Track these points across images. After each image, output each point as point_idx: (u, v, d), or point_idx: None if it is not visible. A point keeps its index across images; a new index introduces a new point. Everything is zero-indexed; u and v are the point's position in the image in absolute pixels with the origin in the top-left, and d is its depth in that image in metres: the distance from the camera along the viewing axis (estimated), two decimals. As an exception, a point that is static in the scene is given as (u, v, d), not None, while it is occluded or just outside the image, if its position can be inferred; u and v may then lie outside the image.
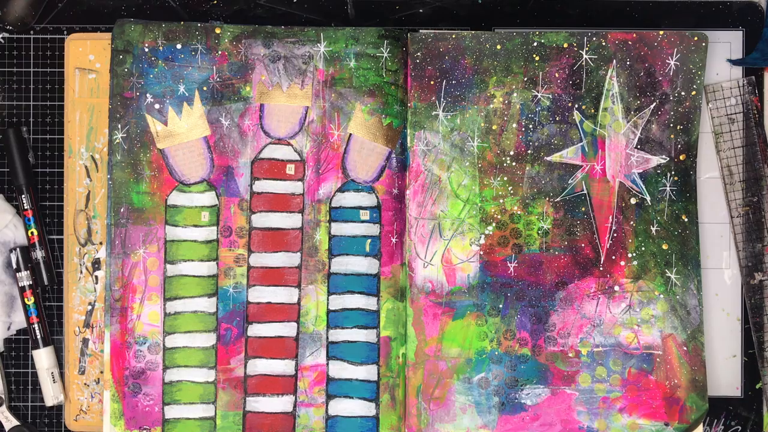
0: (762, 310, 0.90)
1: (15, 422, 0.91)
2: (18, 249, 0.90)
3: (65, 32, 0.92)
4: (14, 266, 0.90)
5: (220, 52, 0.89)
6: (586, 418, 0.89)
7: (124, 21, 0.88)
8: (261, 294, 0.89)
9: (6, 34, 0.92)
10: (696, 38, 0.88)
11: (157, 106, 0.88)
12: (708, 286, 0.91)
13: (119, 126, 0.88)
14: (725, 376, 0.91)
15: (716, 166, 0.91)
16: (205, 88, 0.88)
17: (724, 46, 0.91)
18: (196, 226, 0.88)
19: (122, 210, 0.88)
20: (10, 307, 0.91)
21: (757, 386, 0.91)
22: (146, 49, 0.88)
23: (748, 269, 0.90)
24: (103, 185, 0.90)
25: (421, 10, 0.93)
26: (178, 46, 0.88)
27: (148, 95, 0.88)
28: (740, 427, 0.91)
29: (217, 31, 0.88)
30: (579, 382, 0.89)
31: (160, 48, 0.88)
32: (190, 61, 0.88)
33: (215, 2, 0.92)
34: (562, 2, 0.92)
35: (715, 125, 0.90)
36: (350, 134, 0.89)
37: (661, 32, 0.88)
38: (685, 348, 0.88)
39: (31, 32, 0.92)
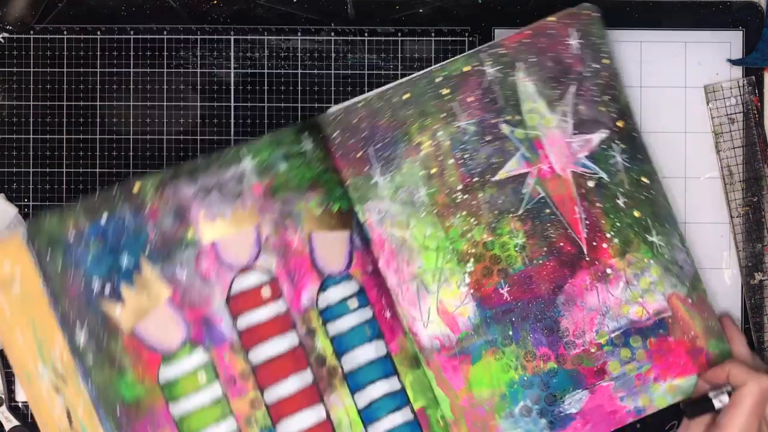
0: (762, 310, 0.92)
1: (15, 422, 0.88)
2: None
3: (65, 32, 0.91)
4: None
5: (149, 208, 0.83)
6: (629, 401, 0.90)
7: (35, 217, 0.82)
8: (289, 426, 0.85)
9: (6, 34, 0.90)
10: (586, 11, 0.89)
11: (107, 288, 0.82)
12: (708, 286, 0.92)
13: (76, 328, 0.82)
14: (726, 376, 0.93)
15: (716, 166, 0.93)
16: (148, 250, 0.83)
17: (724, 46, 0.93)
18: (197, 391, 0.83)
19: (117, 411, 0.82)
20: None
21: None
22: (72, 236, 0.82)
23: (748, 269, 0.92)
24: (79, 393, 0.83)
25: (421, 10, 0.92)
26: (104, 220, 0.83)
27: (94, 282, 0.82)
28: None
29: (136, 188, 0.83)
30: (610, 372, 0.89)
31: (86, 229, 0.82)
32: (122, 229, 0.83)
33: (215, 2, 0.91)
34: (562, 3, 0.91)
35: (715, 125, 0.92)
36: (309, 233, 0.86)
37: (552, 18, 0.89)
38: (690, 300, 0.90)
39: (31, 32, 0.91)
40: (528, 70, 0.89)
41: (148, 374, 0.83)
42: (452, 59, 0.89)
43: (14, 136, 0.93)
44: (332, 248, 0.87)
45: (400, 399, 0.87)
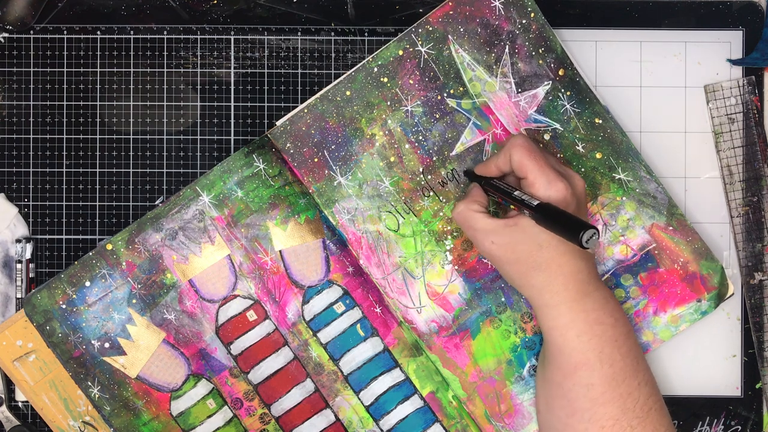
0: (762, 310, 0.90)
1: (15, 422, 0.91)
2: (25, 240, 0.90)
3: (65, 32, 0.92)
4: (28, 257, 0.90)
5: (125, 263, 0.88)
6: (634, 339, 0.89)
7: (29, 296, 0.87)
8: (302, 434, 0.89)
9: (6, 34, 0.92)
10: None
11: (107, 344, 0.88)
12: (709, 285, 0.91)
13: (89, 383, 0.88)
14: (725, 376, 0.92)
15: (716, 166, 0.91)
16: (134, 301, 0.88)
17: (724, 46, 0.92)
18: (209, 417, 0.88)
19: (142, 448, 0.88)
20: (5, 306, 0.91)
21: (757, 386, 0.91)
22: (63, 306, 0.87)
23: (748, 269, 0.90)
24: (110, 437, 0.89)
25: (421, 10, 0.92)
26: (87, 284, 0.88)
27: (93, 342, 0.88)
28: (740, 427, 0.91)
29: (108, 247, 0.88)
30: (609, 315, 0.89)
31: (74, 296, 0.88)
32: (106, 288, 0.88)
33: (215, 2, 0.92)
34: (562, 2, 0.92)
35: (715, 125, 0.91)
36: (279, 251, 0.89)
37: None
38: (670, 227, 0.89)
39: (31, 32, 0.92)
40: (459, 40, 0.89)
41: (162, 410, 0.88)
42: (384, 47, 0.89)
43: (14, 136, 0.92)
44: (307, 260, 0.89)
45: (406, 389, 0.89)
